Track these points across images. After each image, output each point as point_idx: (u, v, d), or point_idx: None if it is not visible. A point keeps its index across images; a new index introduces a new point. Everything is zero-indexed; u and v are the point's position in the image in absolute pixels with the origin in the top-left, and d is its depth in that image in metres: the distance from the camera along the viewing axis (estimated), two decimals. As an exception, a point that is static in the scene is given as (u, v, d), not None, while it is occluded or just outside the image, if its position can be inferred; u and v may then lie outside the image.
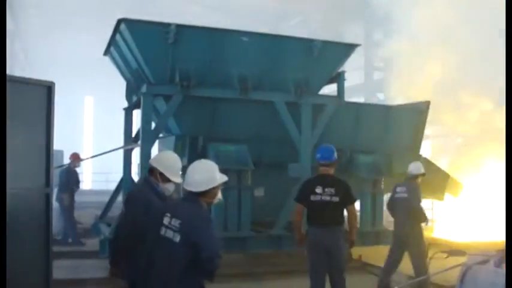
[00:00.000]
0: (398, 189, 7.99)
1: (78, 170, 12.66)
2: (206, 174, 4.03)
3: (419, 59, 15.03)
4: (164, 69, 9.41)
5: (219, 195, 4.13)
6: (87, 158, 14.61)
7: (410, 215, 7.70)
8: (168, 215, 3.94)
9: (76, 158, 12.47)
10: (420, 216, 7.72)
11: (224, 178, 4.12)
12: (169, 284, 3.81)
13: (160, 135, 10.38)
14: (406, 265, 7.81)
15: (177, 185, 4.78)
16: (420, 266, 7.38)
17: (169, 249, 3.85)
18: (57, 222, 11.82)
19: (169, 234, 3.86)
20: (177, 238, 3.83)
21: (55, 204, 12.04)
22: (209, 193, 4.02)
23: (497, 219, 11.35)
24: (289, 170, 9.83)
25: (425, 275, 6.84)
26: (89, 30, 28.63)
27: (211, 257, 3.77)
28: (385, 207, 8.97)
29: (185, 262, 3.80)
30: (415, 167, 8.07)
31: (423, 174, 8.11)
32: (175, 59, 9.35)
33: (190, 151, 9.70)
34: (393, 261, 7.82)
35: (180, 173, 4.90)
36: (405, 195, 7.83)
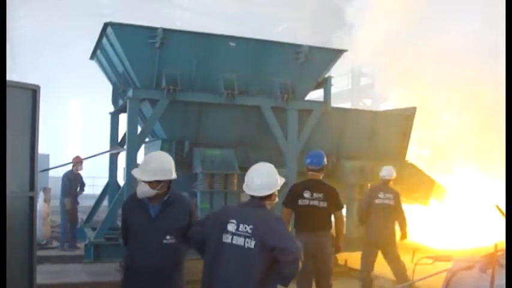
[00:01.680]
0: (382, 195, 8.05)
1: (81, 173, 12.51)
2: (268, 178, 4.00)
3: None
4: (150, 73, 9.38)
5: (277, 198, 4.10)
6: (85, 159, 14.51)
7: (392, 221, 7.85)
8: (234, 221, 3.81)
9: (78, 161, 12.32)
10: (405, 224, 7.88)
11: (283, 180, 4.11)
12: None
13: (146, 139, 10.35)
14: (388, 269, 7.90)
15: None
16: (402, 270, 7.51)
17: (242, 257, 3.72)
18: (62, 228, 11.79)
19: (240, 241, 3.74)
20: (252, 244, 3.71)
21: (58, 207, 11.99)
22: (270, 196, 3.99)
23: (478, 225, 11.45)
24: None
25: (407, 278, 6.96)
26: (76, 34, 28.51)
27: (295, 259, 3.69)
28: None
29: (263, 268, 3.69)
30: (387, 172, 8.22)
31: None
32: (161, 64, 9.33)
33: (176, 156, 9.67)
34: (370, 263, 8.00)
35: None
36: (391, 202, 7.95)
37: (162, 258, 4.08)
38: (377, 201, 8.07)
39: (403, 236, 8.25)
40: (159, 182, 4.11)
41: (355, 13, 16.86)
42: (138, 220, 4.20)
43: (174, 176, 4.18)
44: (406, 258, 7.47)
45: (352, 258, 9.93)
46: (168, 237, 4.10)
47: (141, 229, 4.17)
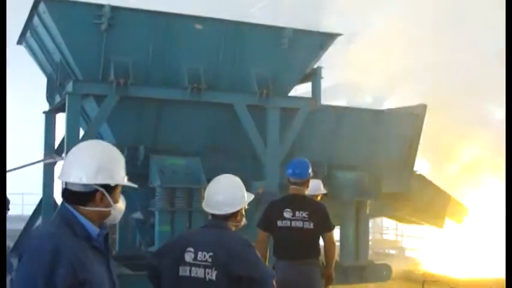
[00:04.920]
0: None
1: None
2: (231, 193, 4.05)
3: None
4: (96, 62, 9.40)
5: (244, 219, 4.15)
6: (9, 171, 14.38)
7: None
8: (191, 249, 3.86)
9: None
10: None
11: (251, 197, 4.16)
12: None
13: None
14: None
15: None
16: None
17: None
18: None
19: (199, 272, 3.79)
20: (213, 275, 3.77)
21: None
22: (235, 216, 4.05)
23: (494, 251, 11.65)
24: (253, 189, 9.90)
25: None
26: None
27: None
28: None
29: None
30: (313, 187, 7.38)
31: (325, 194, 7.95)
32: (109, 50, 9.36)
33: (129, 165, 9.68)
34: None
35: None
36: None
37: None
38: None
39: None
40: None
41: None
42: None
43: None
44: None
45: (349, 293, 10.06)
46: None
47: None
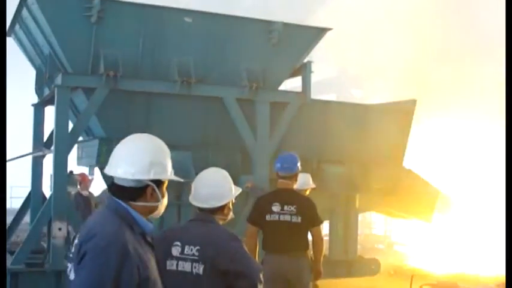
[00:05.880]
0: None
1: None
2: (218, 186, 4.08)
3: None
4: (85, 55, 9.39)
5: (231, 213, 4.16)
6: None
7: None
8: (178, 243, 3.87)
9: (84, 180, 11.90)
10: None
11: (239, 190, 4.18)
12: None
13: (80, 138, 10.34)
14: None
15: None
16: None
17: (190, 285, 3.78)
18: None
19: (186, 266, 3.81)
20: (200, 269, 3.79)
21: None
22: (222, 210, 4.07)
23: (491, 245, 11.76)
24: (242, 183, 9.92)
25: None
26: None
27: (253, 284, 3.77)
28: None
29: None
30: (301, 181, 7.35)
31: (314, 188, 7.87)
32: (99, 43, 9.35)
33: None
34: None
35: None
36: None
37: None
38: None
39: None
40: None
41: None
42: None
43: None
44: (402, 286, 7.61)
45: (337, 287, 10.10)
46: None
47: None
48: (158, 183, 2.99)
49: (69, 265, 2.89)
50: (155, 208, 3.01)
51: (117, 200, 2.92)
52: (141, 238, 2.91)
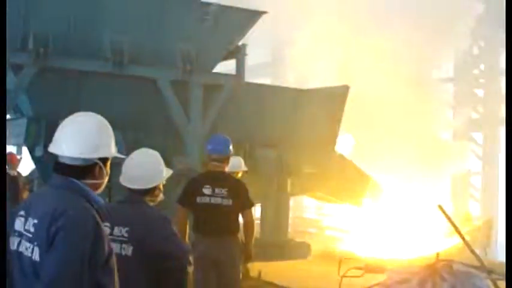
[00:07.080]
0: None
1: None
2: (148, 168, 4.05)
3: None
4: (13, 31, 9.19)
5: (161, 194, 4.14)
6: None
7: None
8: (107, 224, 3.77)
9: (13, 159, 11.44)
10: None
11: (170, 172, 4.16)
12: None
13: (8, 116, 10.14)
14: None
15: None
16: None
17: (119, 267, 3.71)
18: None
19: (116, 247, 3.73)
20: (129, 251, 3.79)
21: None
22: (153, 191, 4.05)
23: (418, 231, 12.07)
24: (173, 165, 9.90)
25: None
26: None
27: (182, 266, 3.79)
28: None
29: (144, 280, 3.75)
30: (233, 164, 7.29)
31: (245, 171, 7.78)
32: (28, 19, 9.19)
33: (47, 139, 9.55)
34: None
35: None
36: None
37: None
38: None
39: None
40: None
41: None
42: None
43: None
44: (331, 270, 7.72)
45: (268, 269, 10.17)
46: None
47: None
48: (104, 160, 3.06)
49: (28, 244, 2.89)
50: (102, 184, 3.08)
51: (69, 178, 2.96)
52: (96, 213, 2.95)
